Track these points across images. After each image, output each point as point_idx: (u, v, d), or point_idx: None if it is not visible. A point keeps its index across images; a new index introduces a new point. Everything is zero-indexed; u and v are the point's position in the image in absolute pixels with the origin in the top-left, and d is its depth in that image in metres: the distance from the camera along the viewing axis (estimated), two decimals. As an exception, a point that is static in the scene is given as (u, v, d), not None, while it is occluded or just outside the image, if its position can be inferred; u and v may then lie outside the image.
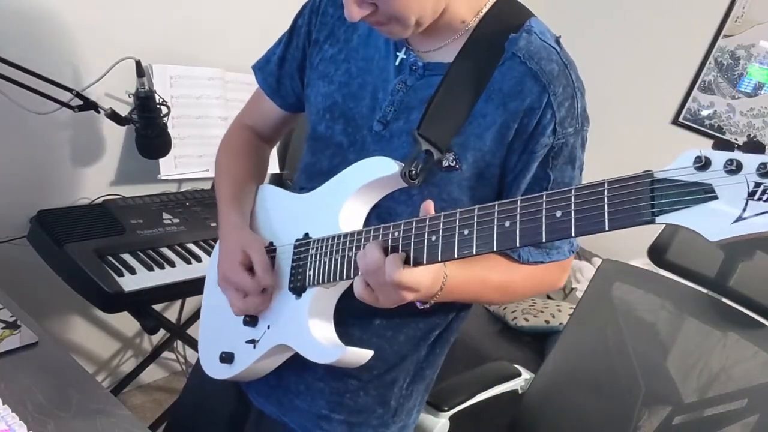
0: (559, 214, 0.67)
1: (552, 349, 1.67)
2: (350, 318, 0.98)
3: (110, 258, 1.58)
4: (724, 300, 1.47)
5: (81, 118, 1.69)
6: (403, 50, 0.95)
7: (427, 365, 1.08)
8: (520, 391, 1.66)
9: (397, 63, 0.95)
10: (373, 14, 0.85)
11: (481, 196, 0.94)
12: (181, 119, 1.88)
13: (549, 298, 2.59)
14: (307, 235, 0.99)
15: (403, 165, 0.88)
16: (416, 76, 0.94)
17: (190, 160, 1.91)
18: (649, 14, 2.75)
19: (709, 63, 2.66)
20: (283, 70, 1.11)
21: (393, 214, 0.95)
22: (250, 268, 0.99)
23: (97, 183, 1.91)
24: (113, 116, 1.67)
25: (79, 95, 1.61)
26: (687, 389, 1.48)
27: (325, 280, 0.92)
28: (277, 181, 2.22)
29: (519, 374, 1.67)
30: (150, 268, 1.60)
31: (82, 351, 2.15)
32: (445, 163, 0.91)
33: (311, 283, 0.95)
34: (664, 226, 1.53)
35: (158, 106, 1.73)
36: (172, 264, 1.65)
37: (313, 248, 0.95)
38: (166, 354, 2.34)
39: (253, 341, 1.03)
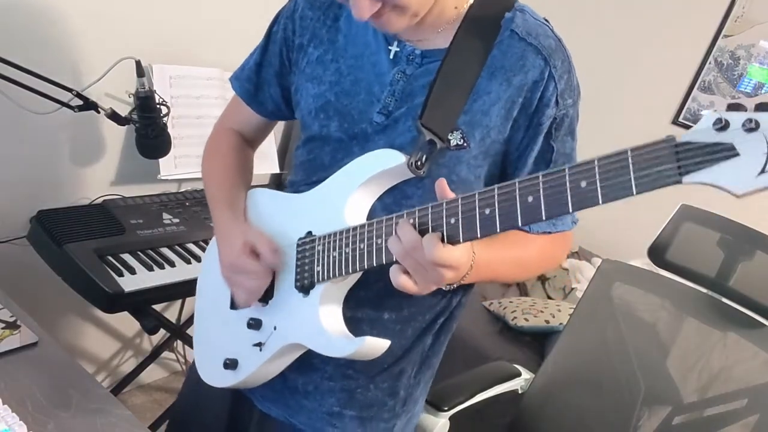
0: (584, 184, 0.68)
1: (552, 349, 1.67)
2: (358, 313, 0.99)
3: (110, 258, 1.58)
4: (724, 300, 1.47)
5: (81, 118, 1.69)
6: (396, 43, 0.96)
7: (432, 353, 1.09)
8: (520, 391, 1.66)
9: (391, 56, 0.96)
10: (380, 9, 0.85)
11: (488, 176, 0.96)
12: (181, 119, 1.88)
13: (549, 297, 2.59)
14: (310, 233, 0.98)
15: (409, 155, 0.89)
16: (415, 64, 0.95)
17: (190, 160, 1.91)
18: (649, 14, 2.75)
19: (709, 63, 2.66)
20: (261, 77, 1.11)
21: (405, 195, 0.95)
22: (255, 255, 0.99)
23: (97, 183, 1.91)
24: (113, 116, 1.67)
25: (79, 95, 1.61)
26: (687, 389, 1.48)
27: (336, 275, 0.92)
28: (277, 181, 2.22)
29: (519, 374, 1.66)
30: (150, 268, 1.60)
31: (82, 351, 2.15)
32: (453, 142, 0.92)
33: (320, 279, 0.94)
34: (663, 226, 1.54)
35: (158, 106, 1.74)
36: (172, 264, 1.65)
37: (319, 245, 0.95)
38: (166, 354, 2.35)
39: (259, 344, 1.02)
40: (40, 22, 1.64)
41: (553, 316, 2.28)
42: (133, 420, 1.03)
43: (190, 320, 2.15)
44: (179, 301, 2.28)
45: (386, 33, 0.96)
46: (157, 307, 1.98)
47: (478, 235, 0.77)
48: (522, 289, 2.64)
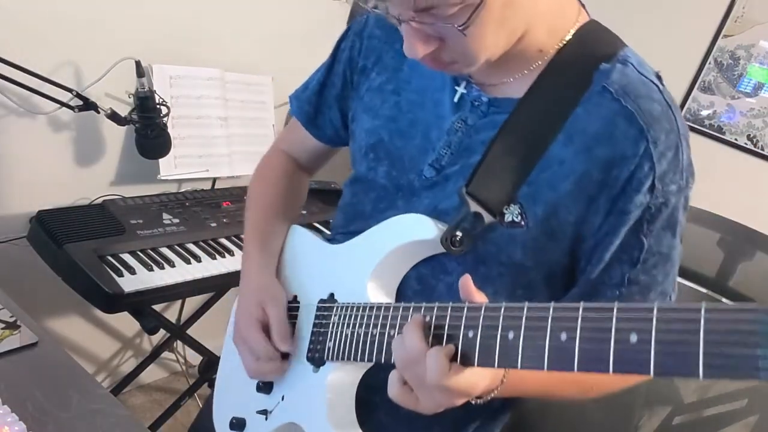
0: (634, 339, 0.49)
1: (552, 349, 1.67)
2: (375, 397, 0.82)
3: (110, 258, 1.58)
4: (724, 300, 1.47)
5: (81, 118, 1.69)
6: (464, 84, 0.81)
7: None
8: (520, 391, 1.66)
9: (456, 99, 0.81)
10: (437, 51, 0.70)
11: (551, 263, 0.78)
12: (180, 119, 1.88)
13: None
14: (332, 296, 0.86)
15: (445, 228, 0.75)
16: (479, 113, 0.79)
17: (190, 160, 1.91)
18: (649, 14, 2.74)
19: (709, 63, 2.66)
20: (323, 98, 0.99)
21: (444, 270, 0.80)
22: (267, 328, 0.89)
23: (97, 183, 1.91)
24: (113, 116, 1.67)
25: (79, 95, 1.61)
26: (687, 389, 1.48)
27: (345, 358, 0.79)
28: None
29: (519, 374, 1.66)
30: (150, 269, 1.60)
31: (82, 351, 2.15)
32: (508, 218, 0.75)
33: (330, 357, 0.82)
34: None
35: (158, 106, 1.74)
36: (172, 264, 1.65)
37: (335, 315, 0.83)
38: (165, 354, 2.34)
39: (265, 412, 0.92)
40: (40, 22, 1.64)
41: (553, 316, 2.28)
42: (133, 420, 1.02)
43: (190, 320, 2.15)
44: (179, 302, 2.28)
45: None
46: (157, 307, 1.98)
47: (495, 365, 0.61)
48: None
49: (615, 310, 0.52)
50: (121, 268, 1.55)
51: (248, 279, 0.96)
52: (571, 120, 0.73)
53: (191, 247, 1.74)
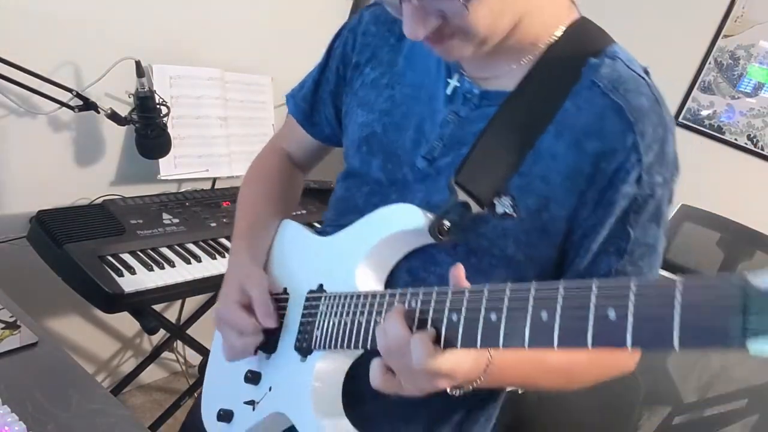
0: (612, 314, 0.51)
1: (552, 349, 1.67)
2: (362, 387, 0.78)
3: (110, 258, 1.58)
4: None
5: (81, 118, 1.69)
6: (456, 77, 0.82)
7: None
8: (520, 391, 1.66)
9: (449, 91, 0.82)
10: (438, 29, 0.71)
11: (542, 259, 0.79)
12: (180, 119, 1.88)
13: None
14: (321, 286, 0.86)
15: (433, 217, 0.75)
16: (471, 106, 0.80)
17: (190, 160, 1.91)
18: (649, 14, 2.75)
19: (709, 63, 2.66)
20: (318, 96, 1.00)
21: (434, 261, 0.81)
22: (250, 308, 0.89)
23: (97, 183, 1.91)
24: (113, 116, 1.67)
25: (79, 95, 1.61)
26: (687, 389, 1.48)
27: (331, 346, 0.80)
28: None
29: (519, 374, 1.66)
30: (150, 269, 1.60)
31: (82, 351, 2.15)
32: (499, 210, 0.75)
33: (317, 346, 0.83)
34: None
35: (158, 106, 1.74)
36: (172, 264, 1.65)
37: (323, 305, 0.83)
38: (165, 354, 2.34)
39: (252, 402, 0.91)
40: (40, 23, 1.64)
41: (553, 316, 2.28)
42: (133, 420, 1.02)
43: (190, 320, 2.15)
44: (179, 302, 2.28)
45: (450, 62, 0.82)
46: (157, 307, 1.98)
47: (478, 346, 0.62)
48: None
49: (594, 288, 0.53)
50: (121, 268, 1.55)
51: (232, 269, 0.95)
52: (560, 114, 0.75)
53: (191, 247, 1.74)
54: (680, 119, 2.80)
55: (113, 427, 1.00)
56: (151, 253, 1.66)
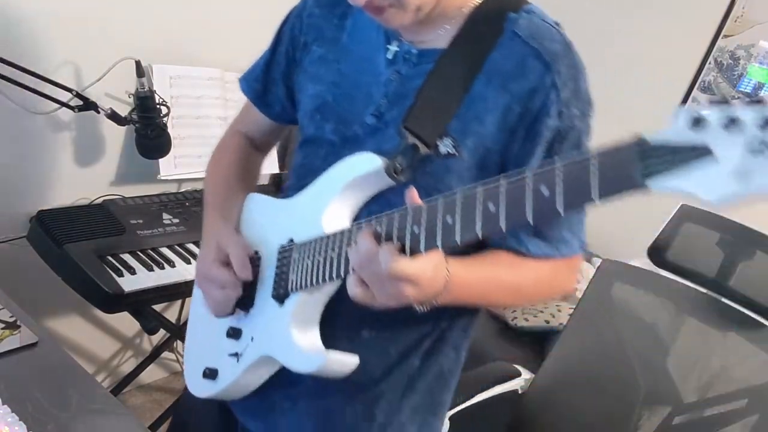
0: (545, 190, 0.63)
1: (552, 349, 1.67)
2: (337, 331, 0.92)
3: (110, 258, 1.58)
4: (724, 300, 1.47)
5: (81, 118, 1.69)
6: (395, 42, 0.92)
7: (420, 377, 1.00)
8: (520, 391, 1.66)
9: (389, 56, 0.92)
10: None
11: None
12: (180, 119, 1.88)
13: (549, 298, 2.59)
14: (291, 240, 0.94)
15: (388, 160, 0.85)
16: (410, 64, 0.91)
17: (190, 160, 1.91)
18: (649, 14, 2.75)
19: (709, 63, 2.66)
20: (269, 78, 1.09)
21: (390, 204, 0.88)
22: (228, 264, 0.97)
23: (97, 183, 1.91)
24: (113, 116, 1.67)
25: (79, 95, 1.61)
26: (687, 389, 1.48)
27: (308, 284, 0.88)
28: (277, 181, 2.21)
29: (519, 374, 1.66)
30: (150, 269, 1.60)
31: (82, 351, 2.15)
32: (443, 150, 0.86)
33: (293, 288, 0.91)
34: (663, 227, 1.54)
35: (158, 106, 1.74)
36: (171, 264, 1.65)
37: (296, 253, 0.92)
38: (165, 354, 2.34)
39: (236, 354, 0.99)
40: (40, 23, 1.64)
41: (553, 316, 2.28)
42: (133, 420, 1.03)
43: (190, 320, 2.15)
44: (179, 301, 2.27)
45: (389, 30, 0.93)
46: (157, 307, 1.98)
47: (439, 245, 0.72)
48: (522, 289, 2.65)
49: (528, 174, 0.65)
50: (121, 268, 1.55)
51: (208, 234, 1.03)
52: (488, 63, 0.86)
53: (191, 247, 1.74)
54: (680, 119, 2.80)
55: (113, 427, 1.00)
56: (151, 253, 1.66)
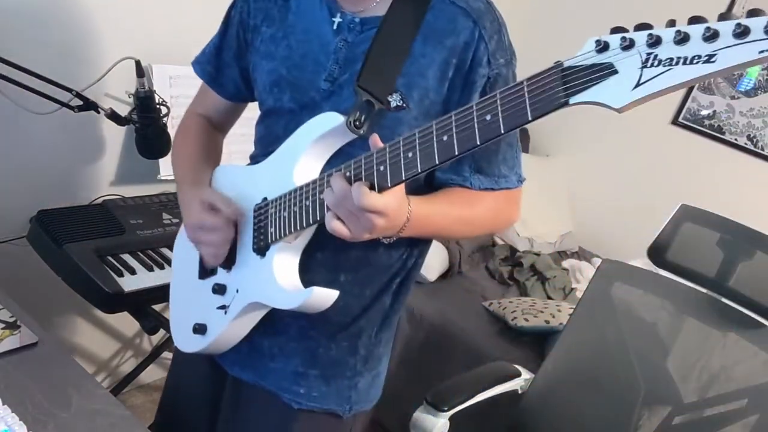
0: (489, 117, 0.74)
1: (552, 349, 1.67)
2: (317, 276, 1.03)
3: (110, 258, 1.58)
4: (724, 300, 1.47)
5: (81, 118, 1.69)
6: (339, 14, 1.02)
7: (392, 312, 1.14)
8: (520, 391, 1.66)
9: (335, 27, 1.02)
10: None
11: None
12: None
13: (549, 298, 2.59)
14: (265, 199, 1.03)
15: (347, 116, 0.94)
16: (355, 32, 1.01)
17: (190, 160, 1.90)
18: (649, 14, 2.75)
19: (709, 63, 2.66)
20: (221, 60, 1.18)
21: (352, 157, 0.97)
22: (214, 210, 1.05)
23: (97, 183, 1.91)
24: (113, 116, 1.67)
25: (79, 95, 1.61)
26: (687, 389, 1.48)
27: (286, 233, 0.97)
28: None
29: (519, 374, 1.66)
30: (150, 268, 1.60)
31: (82, 351, 2.15)
32: (393, 104, 0.97)
33: (273, 240, 1.00)
34: (663, 227, 1.54)
35: (158, 106, 1.74)
36: (172, 264, 1.64)
37: (272, 208, 1.00)
38: (165, 354, 2.34)
39: (224, 307, 1.07)
40: (40, 23, 1.64)
41: (553, 316, 2.28)
42: (133, 420, 1.03)
43: (190, 320, 2.15)
44: (179, 301, 2.27)
45: (331, 4, 1.02)
46: (157, 307, 1.97)
47: (403, 177, 0.82)
48: (522, 289, 2.64)
49: (474, 107, 0.75)
50: (121, 268, 1.55)
51: (187, 200, 1.11)
52: (424, 24, 0.98)
53: (191, 247, 1.74)
54: (680, 119, 2.81)
55: (113, 427, 1.00)
56: (151, 253, 1.66)
